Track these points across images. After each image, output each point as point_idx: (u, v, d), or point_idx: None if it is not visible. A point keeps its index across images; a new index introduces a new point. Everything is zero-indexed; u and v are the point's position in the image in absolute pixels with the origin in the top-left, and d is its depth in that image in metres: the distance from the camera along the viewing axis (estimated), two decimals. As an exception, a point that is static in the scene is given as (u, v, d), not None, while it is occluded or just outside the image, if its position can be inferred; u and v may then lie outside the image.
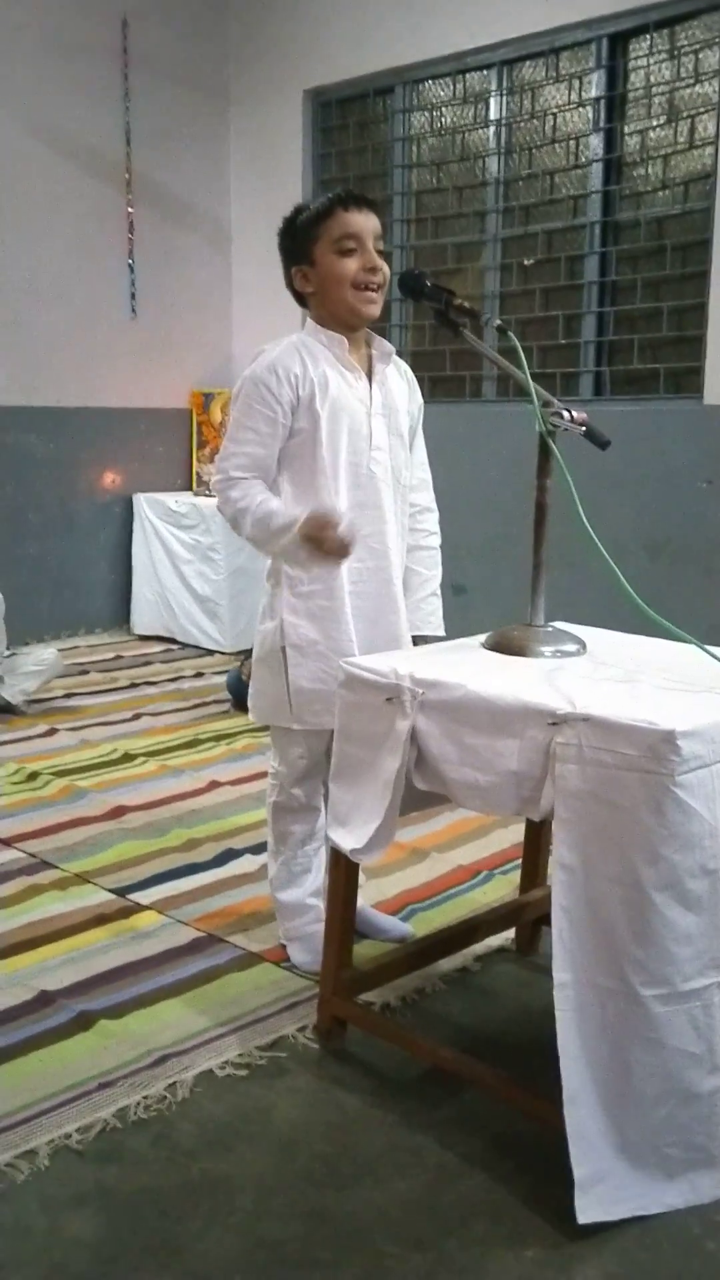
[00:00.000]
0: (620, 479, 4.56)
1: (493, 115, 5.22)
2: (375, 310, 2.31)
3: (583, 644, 2.09)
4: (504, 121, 5.19)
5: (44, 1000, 2.32)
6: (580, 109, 4.93)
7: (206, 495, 5.92)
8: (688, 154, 4.64)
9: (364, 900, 2.54)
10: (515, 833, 3.03)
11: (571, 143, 4.98)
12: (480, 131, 5.30)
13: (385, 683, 1.94)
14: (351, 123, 5.80)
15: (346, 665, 2.03)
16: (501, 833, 3.21)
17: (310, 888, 2.50)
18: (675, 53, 4.61)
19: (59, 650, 4.88)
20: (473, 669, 1.94)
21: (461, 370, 5.37)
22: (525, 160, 5.18)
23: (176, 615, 5.80)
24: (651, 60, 4.70)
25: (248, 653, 4.22)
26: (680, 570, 4.58)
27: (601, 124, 4.83)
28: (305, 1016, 2.26)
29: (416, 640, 2.46)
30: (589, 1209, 1.68)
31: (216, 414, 6.19)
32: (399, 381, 2.42)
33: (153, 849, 3.13)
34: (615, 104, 4.83)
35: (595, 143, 4.87)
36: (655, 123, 4.71)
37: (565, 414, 2.00)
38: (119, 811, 3.41)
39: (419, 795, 1.98)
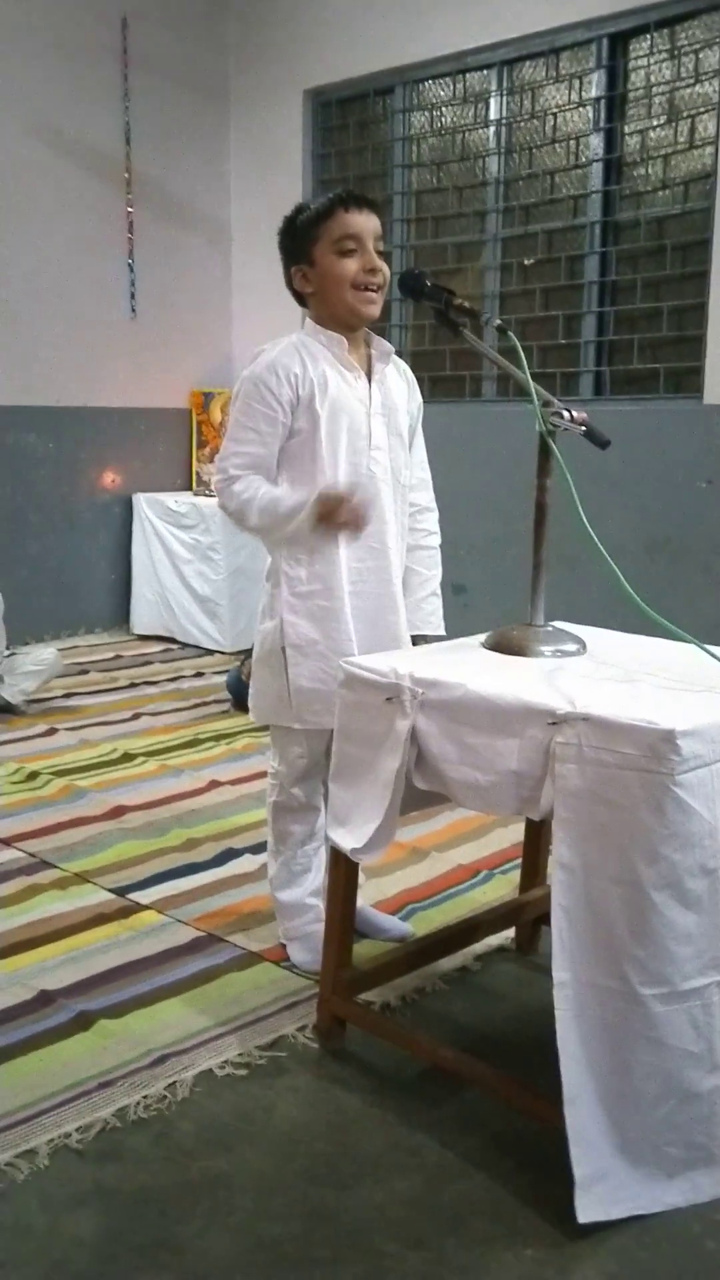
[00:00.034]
0: (620, 479, 4.56)
1: (493, 115, 5.22)
2: (375, 311, 2.31)
3: (583, 644, 2.09)
4: (504, 121, 5.19)
5: (44, 1000, 2.32)
6: (580, 109, 4.93)
7: (206, 495, 5.92)
8: (688, 154, 4.64)
9: (364, 900, 2.54)
10: (515, 832, 3.03)
11: (572, 142, 4.98)
12: (480, 131, 5.30)
13: (385, 682, 1.94)
14: (351, 122, 5.81)
15: (346, 665, 2.03)
16: (501, 832, 3.21)
17: (310, 887, 2.50)
18: (675, 52, 4.62)
19: (59, 650, 4.88)
20: (473, 669, 1.94)
21: (461, 370, 5.38)
22: (525, 160, 5.18)
23: (176, 615, 5.80)
24: (652, 60, 4.70)
25: (247, 652, 4.23)
26: (680, 570, 4.58)
27: (602, 124, 4.84)
28: (305, 1016, 2.26)
29: (416, 640, 2.45)
30: (589, 1208, 1.68)
31: (216, 414, 6.19)
32: (398, 381, 2.42)
33: (152, 848, 3.13)
34: (615, 104, 4.84)
35: (595, 142, 4.87)
36: (655, 122, 4.71)
37: (565, 414, 2.00)
38: (119, 811, 3.41)
39: (419, 795, 1.98)
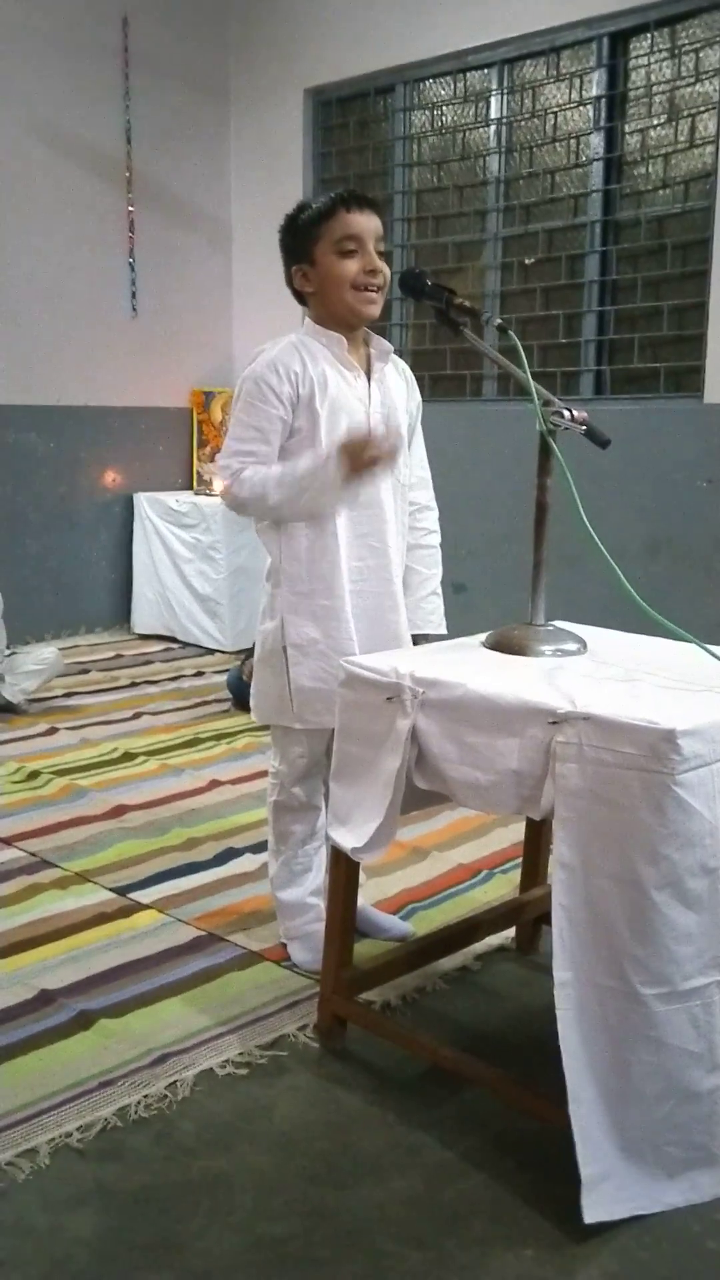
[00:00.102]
0: (620, 478, 4.56)
1: (493, 114, 5.22)
2: (375, 311, 2.31)
3: (583, 643, 2.09)
4: (504, 120, 5.19)
5: (44, 999, 2.32)
6: (581, 108, 4.93)
7: (207, 494, 5.92)
8: (688, 153, 4.64)
9: (364, 899, 2.54)
10: (515, 832, 3.03)
11: (572, 141, 4.98)
12: (481, 130, 5.30)
13: (386, 682, 1.94)
14: (352, 121, 5.80)
15: (347, 664, 2.03)
16: (502, 832, 3.21)
17: (311, 887, 2.50)
18: (676, 51, 4.61)
19: (59, 649, 4.88)
20: (473, 668, 1.94)
21: (462, 369, 5.37)
22: (526, 159, 5.18)
23: (177, 614, 5.80)
24: (652, 59, 4.70)
25: (248, 652, 4.23)
26: (680, 569, 4.58)
27: (602, 123, 4.83)
28: (305, 1015, 2.26)
29: (418, 639, 2.46)
30: (594, 1208, 1.68)
31: (217, 413, 6.19)
32: (397, 380, 2.42)
33: (153, 848, 3.13)
34: (616, 103, 4.83)
35: (596, 141, 4.87)
36: (656, 121, 4.71)
37: (566, 413, 2.00)
38: (119, 810, 3.41)
39: (419, 794, 1.98)
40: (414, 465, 2.49)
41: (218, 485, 5.74)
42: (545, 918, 2.35)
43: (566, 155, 5.02)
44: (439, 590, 2.55)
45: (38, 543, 5.79)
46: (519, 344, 2.10)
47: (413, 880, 2.91)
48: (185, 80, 6.03)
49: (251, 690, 2.48)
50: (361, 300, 2.27)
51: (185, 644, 5.79)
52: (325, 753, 2.35)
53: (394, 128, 5.60)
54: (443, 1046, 2.09)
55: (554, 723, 1.72)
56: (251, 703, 2.48)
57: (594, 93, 4.85)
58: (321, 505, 2.26)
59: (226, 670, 4.96)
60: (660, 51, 4.67)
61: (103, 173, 5.79)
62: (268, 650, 2.39)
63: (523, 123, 5.16)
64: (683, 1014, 1.69)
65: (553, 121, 5.04)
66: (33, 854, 3.08)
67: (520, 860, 2.63)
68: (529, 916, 2.54)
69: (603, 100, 4.82)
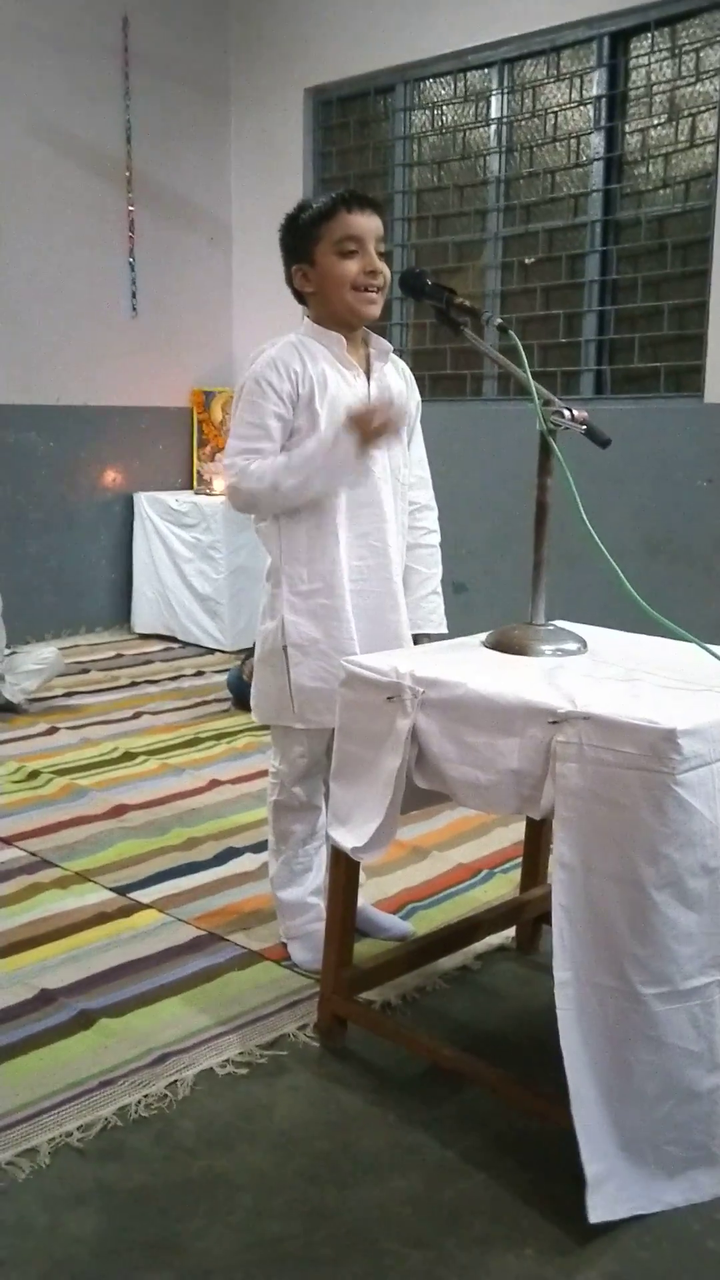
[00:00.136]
0: (621, 477, 4.56)
1: (494, 114, 5.22)
2: (375, 311, 2.31)
3: (583, 642, 2.09)
4: (505, 120, 5.19)
5: (45, 999, 2.32)
6: (581, 107, 4.93)
7: (207, 494, 5.92)
8: (688, 152, 4.64)
9: (364, 899, 2.54)
10: (515, 831, 3.03)
11: (572, 141, 4.98)
12: (481, 130, 5.30)
13: (386, 681, 1.95)
14: (352, 121, 5.80)
15: (347, 664, 2.03)
16: (502, 831, 3.21)
17: (311, 886, 2.50)
18: (676, 51, 4.61)
19: (59, 649, 4.88)
20: (473, 668, 1.94)
21: (462, 369, 5.37)
22: (526, 159, 5.18)
23: (177, 614, 5.80)
24: (652, 59, 4.69)
25: (248, 651, 4.23)
26: (680, 569, 4.58)
27: (602, 122, 4.83)
28: (306, 1015, 2.26)
29: (418, 638, 2.45)
30: (599, 1207, 1.68)
31: (217, 412, 6.19)
32: (397, 380, 2.42)
33: (153, 847, 3.13)
34: (616, 102, 4.83)
35: (596, 141, 4.87)
36: (656, 121, 4.71)
37: (566, 412, 2.00)
38: (119, 810, 3.41)
39: (420, 794, 1.98)
40: (413, 465, 2.49)
41: (218, 485, 5.78)
42: (545, 917, 2.35)
43: (567, 155, 5.02)
44: (439, 589, 2.55)
45: (38, 543, 5.79)
46: (519, 343, 2.10)
47: (413, 880, 2.91)
48: (185, 80, 6.03)
49: (252, 690, 2.48)
50: (361, 301, 2.27)
51: (185, 644, 5.79)
52: (326, 752, 2.35)
53: (394, 127, 5.60)
54: (443, 1046, 2.09)
55: (554, 722, 1.72)
56: (252, 702, 2.48)
57: (594, 92, 4.85)
58: (337, 483, 2.25)
59: (227, 670, 4.96)
60: (661, 51, 4.67)
61: (103, 172, 5.78)
62: (268, 650, 2.39)
63: (523, 122, 5.16)
64: (683, 1014, 1.69)
65: (553, 121, 5.04)
66: (33, 853, 3.08)
67: (520, 860, 2.63)
68: (529, 916, 2.54)
69: (603, 100, 4.82)
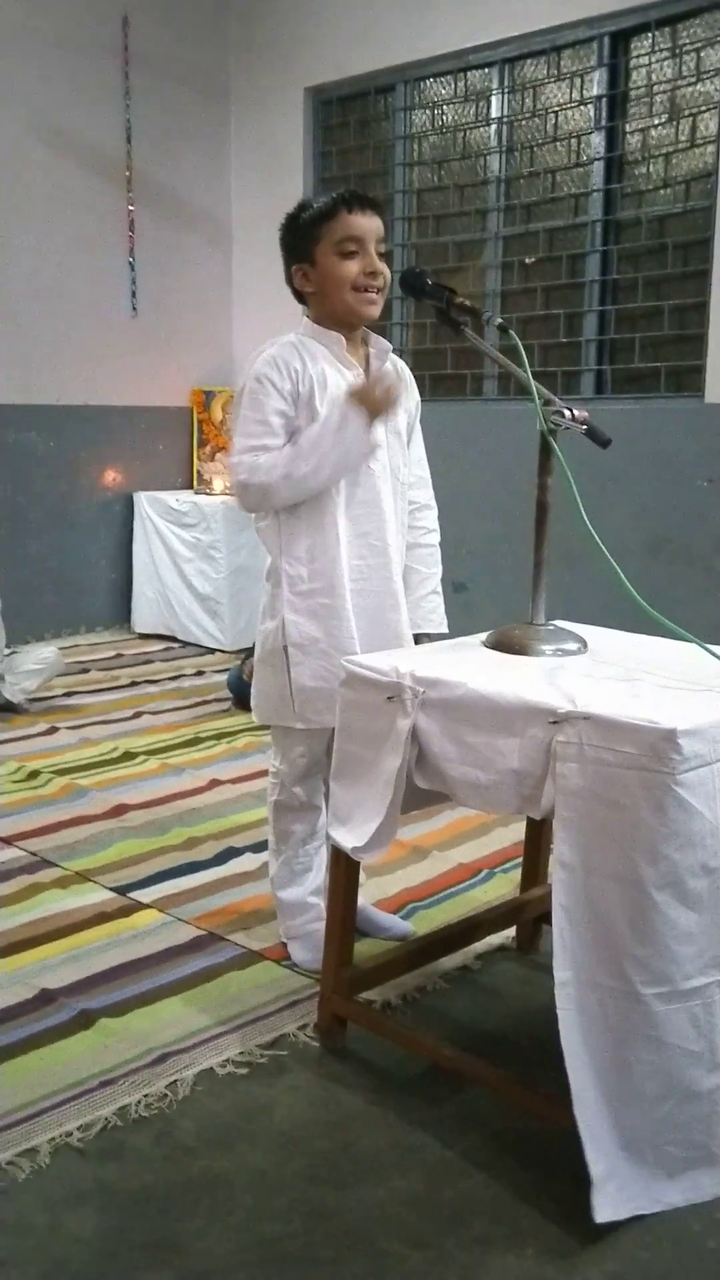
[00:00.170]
0: (621, 477, 4.56)
1: (494, 113, 5.22)
2: (375, 311, 2.30)
3: (583, 642, 2.09)
4: (505, 119, 5.19)
5: (45, 998, 2.32)
6: (582, 107, 4.93)
7: (207, 494, 5.92)
8: (689, 152, 4.64)
9: (365, 898, 2.54)
10: (516, 831, 3.03)
11: (573, 141, 4.97)
12: (481, 129, 5.30)
13: (386, 681, 1.94)
14: (352, 121, 5.80)
15: (348, 664, 2.03)
16: (502, 831, 3.21)
17: (311, 886, 2.50)
18: (677, 51, 4.61)
19: (59, 648, 4.88)
20: (473, 667, 1.94)
21: (462, 369, 5.37)
22: (526, 158, 5.18)
23: (177, 613, 5.80)
24: (653, 58, 4.69)
25: (248, 651, 4.23)
26: (681, 569, 4.58)
27: (603, 122, 4.83)
28: (306, 1015, 2.26)
29: (419, 638, 2.45)
30: (604, 1207, 1.68)
31: (217, 412, 6.19)
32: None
33: (153, 847, 3.13)
34: (617, 102, 4.83)
35: (596, 141, 4.87)
36: (656, 121, 4.71)
37: (566, 412, 2.00)
38: (120, 810, 3.41)
39: (420, 794, 1.98)
40: (413, 464, 2.49)
41: (218, 485, 5.78)
42: (546, 917, 2.35)
43: (567, 155, 5.02)
44: (439, 589, 2.55)
45: (38, 542, 5.79)
46: (519, 343, 2.10)
47: (413, 879, 2.91)
48: (185, 80, 6.03)
49: (252, 690, 2.47)
50: (361, 301, 2.27)
51: (185, 643, 5.79)
52: (326, 752, 2.35)
53: (394, 127, 5.60)
54: (443, 1046, 2.09)
55: (554, 722, 1.72)
56: (252, 702, 2.48)
57: (595, 92, 4.85)
58: (349, 463, 2.25)
59: (227, 670, 4.96)
60: (661, 51, 4.67)
61: (103, 172, 5.78)
62: (268, 649, 2.38)
63: (523, 122, 5.16)
64: (683, 1013, 1.69)
65: (553, 121, 5.04)
66: (33, 853, 3.08)
67: (520, 860, 2.63)
68: (529, 916, 2.54)
69: (603, 100, 4.82)
